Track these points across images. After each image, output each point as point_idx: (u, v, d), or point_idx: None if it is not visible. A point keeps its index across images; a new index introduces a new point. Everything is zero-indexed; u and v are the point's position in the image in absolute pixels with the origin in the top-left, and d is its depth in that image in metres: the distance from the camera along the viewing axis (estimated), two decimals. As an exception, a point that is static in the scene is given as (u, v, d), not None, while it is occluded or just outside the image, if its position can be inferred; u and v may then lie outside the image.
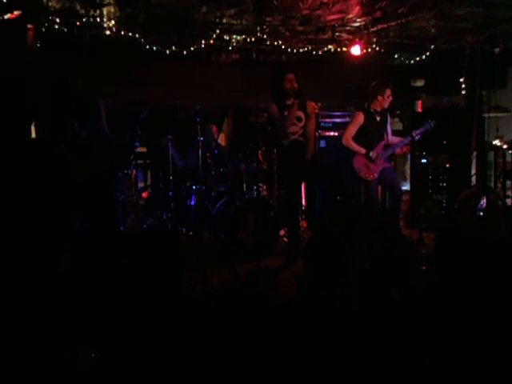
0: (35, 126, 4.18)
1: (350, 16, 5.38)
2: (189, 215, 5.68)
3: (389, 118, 5.36)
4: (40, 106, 4.16)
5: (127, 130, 5.35)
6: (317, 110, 4.81)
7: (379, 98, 5.10)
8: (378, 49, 6.49)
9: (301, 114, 4.72)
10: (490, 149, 6.65)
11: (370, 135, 5.13)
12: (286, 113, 4.66)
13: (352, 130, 5.14)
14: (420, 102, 6.95)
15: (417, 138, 5.17)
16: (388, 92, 5.10)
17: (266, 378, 2.53)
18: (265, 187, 5.74)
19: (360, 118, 5.13)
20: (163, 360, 2.69)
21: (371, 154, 5.05)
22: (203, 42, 5.94)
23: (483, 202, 5.67)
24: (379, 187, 5.39)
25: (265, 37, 5.96)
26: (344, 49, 6.36)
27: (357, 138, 5.13)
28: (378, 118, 5.17)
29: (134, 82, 6.29)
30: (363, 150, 5.09)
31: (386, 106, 5.13)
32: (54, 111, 4.03)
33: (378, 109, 5.14)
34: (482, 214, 5.60)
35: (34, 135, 4.74)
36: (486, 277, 3.55)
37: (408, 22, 5.52)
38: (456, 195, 6.08)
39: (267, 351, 2.78)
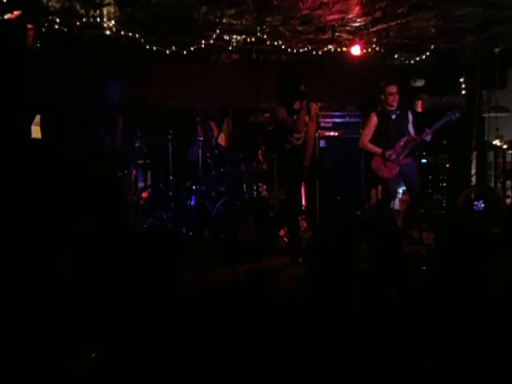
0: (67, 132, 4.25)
1: (350, 16, 5.38)
2: (189, 215, 5.67)
3: (410, 116, 5.29)
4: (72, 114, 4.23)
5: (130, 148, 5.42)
6: (317, 110, 4.81)
7: (382, 97, 5.12)
8: (377, 49, 6.49)
9: (307, 118, 4.68)
10: (490, 149, 6.65)
11: (387, 134, 5.13)
12: (295, 117, 4.62)
13: (368, 133, 5.18)
14: (420, 101, 6.95)
15: (435, 129, 5.02)
16: (389, 89, 5.08)
17: (265, 377, 2.53)
18: (265, 187, 5.74)
19: (374, 120, 5.17)
20: (162, 359, 2.69)
21: (387, 153, 5.07)
22: (203, 42, 5.93)
23: (483, 201, 5.68)
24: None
25: (265, 37, 5.95)
26: (344, 49, 6.36)
27: (375, 139, 5.15)
28: (394, 117, 5.16)
29: (133, 82, 6.27)
30: (379, 150, 5.11)
31: (393, 104, 5.10)
32: (85, 119, 4.11)
33: (389, 108, 5.13)
34: (481, 214, 5.61)
35: (33, 135, 4.75)
36: (486, 276, 3.55)
37: (408, 22, 5.52)
38: (456, 195, 6.09)
39: (267, 351, 2.78)
